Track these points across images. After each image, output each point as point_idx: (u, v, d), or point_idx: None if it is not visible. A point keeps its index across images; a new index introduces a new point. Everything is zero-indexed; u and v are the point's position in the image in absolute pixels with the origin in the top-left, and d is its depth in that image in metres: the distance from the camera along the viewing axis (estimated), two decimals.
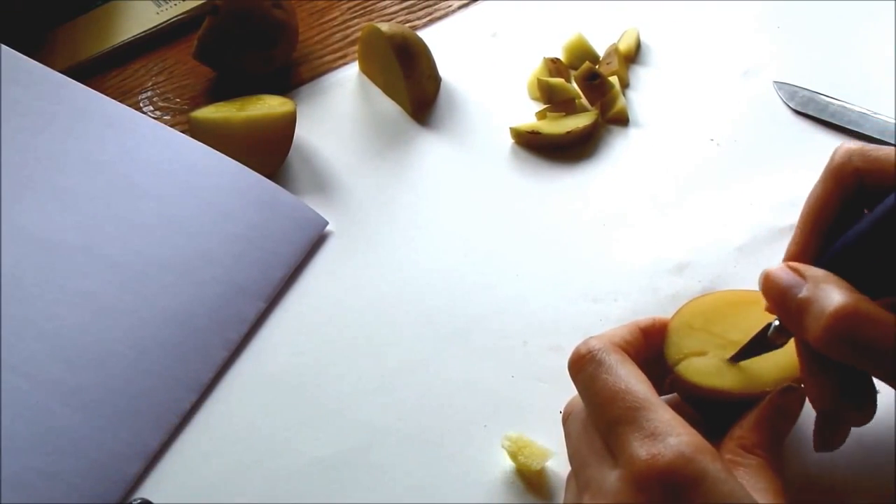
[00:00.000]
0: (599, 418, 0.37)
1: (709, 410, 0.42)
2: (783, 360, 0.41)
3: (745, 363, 0.41)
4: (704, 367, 0.41)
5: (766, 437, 0.39)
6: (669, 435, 0.34)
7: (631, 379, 0.37)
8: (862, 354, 0.35)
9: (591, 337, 0.40)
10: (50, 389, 0.46)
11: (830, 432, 0.40)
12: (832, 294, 0.36)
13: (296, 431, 0.47)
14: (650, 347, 0.42)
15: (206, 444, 0.47)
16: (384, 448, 0.46)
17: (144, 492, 0.45)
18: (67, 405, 0.46)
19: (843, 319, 0.35)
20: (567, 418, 0.41)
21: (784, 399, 0.40)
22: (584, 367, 0.38)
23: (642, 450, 0.34)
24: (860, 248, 0.37)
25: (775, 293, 0.38)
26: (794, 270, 0.38)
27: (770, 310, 0.39)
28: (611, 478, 0.35)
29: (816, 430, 0.40)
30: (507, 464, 0.45)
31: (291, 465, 0.46)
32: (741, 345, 0.41)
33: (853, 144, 0.40)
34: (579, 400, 0.40)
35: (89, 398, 0.47)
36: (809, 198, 0.41)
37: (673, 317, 0.43)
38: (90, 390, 0.47)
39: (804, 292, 0.37)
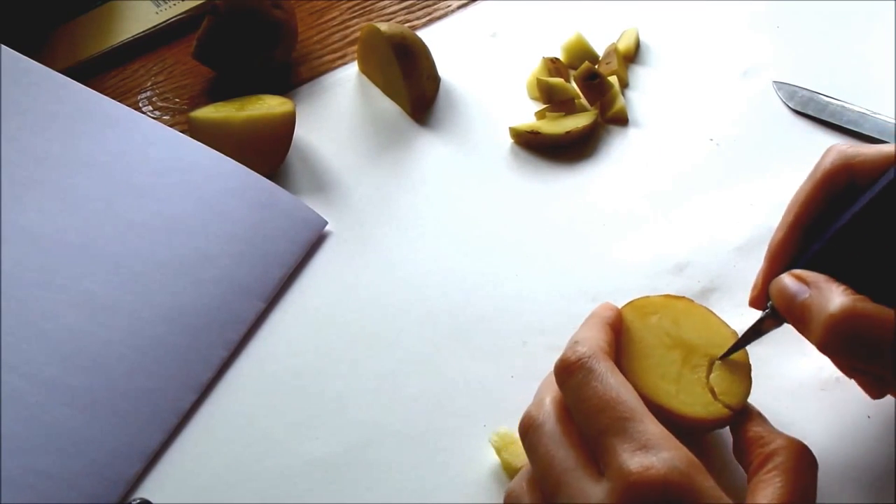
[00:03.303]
0: (588, 427, 0.36)
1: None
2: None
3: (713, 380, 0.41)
4: (694, 396, 0.41)
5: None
6: (662, 449, 0.34)
7: (621, 388, 0.36)
8: (862, 352, 0.36)
9: (577, 342, 0.39)
10: (50, 389, 0.46)
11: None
12: (831, 296, 0.36)
13: (295, 431, 0.47)
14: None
15: (206, 444, 0.47)
16: (383, 448, 0.46)
17: (144, 492, 0.45)
18: (67, 405, 0.46)
19: (842, 320, 0.36)
20: (528, 430, 0.39)
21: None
22: (574, 374, 0.37)
23: (634, 461, 0.34)
24: (846, 238, 0.39)
25: (783, 300, 0.39)
26: (798, 278, 0.39)
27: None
28: (596, 492, 0.34)
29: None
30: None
31: (291, 464, 0.46)
32: (692, 344, 0.42)
33: (844, 145, 0.41)
34: (539, 411, 0.39)
35: (89, 398, 0.47)
36: (797, 195, 0.42)
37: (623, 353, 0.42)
38: (90, 390, 0.47)
39: (805, 296, 0.38)
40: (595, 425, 0.36)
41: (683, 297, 0.44)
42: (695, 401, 0.40)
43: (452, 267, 0.53)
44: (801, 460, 0.37)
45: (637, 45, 0.63)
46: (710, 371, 0.41)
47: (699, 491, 0.33)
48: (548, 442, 0.37)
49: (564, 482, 0.35)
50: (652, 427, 0.35)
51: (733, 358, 0.42)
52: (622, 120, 0.59)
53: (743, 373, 0.42)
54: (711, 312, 0.44)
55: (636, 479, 0.33)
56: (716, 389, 0.41)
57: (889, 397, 0.44)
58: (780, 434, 0.39)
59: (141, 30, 0.67)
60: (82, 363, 0.47)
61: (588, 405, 0.36)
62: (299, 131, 0.59)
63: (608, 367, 0.37)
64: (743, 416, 0.40)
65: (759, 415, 0.41)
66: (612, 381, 0.37)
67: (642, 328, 0.42)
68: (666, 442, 0.34)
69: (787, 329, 0.43)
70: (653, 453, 0.34)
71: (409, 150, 0.59)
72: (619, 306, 0.43)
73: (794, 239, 0.41)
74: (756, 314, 0.42)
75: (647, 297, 0.44)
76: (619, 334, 0.42)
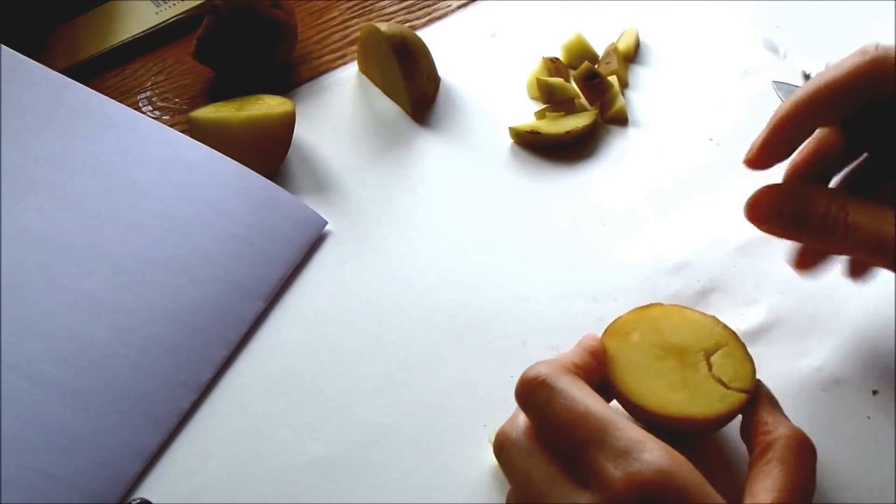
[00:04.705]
0: (564, 445, 0.36)
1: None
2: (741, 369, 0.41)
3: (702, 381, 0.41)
4: (708, 394, 0.40)
5: (782, 420, 0.39)
6: (642, 451, 0.34)
7: (588, 400, 0.36)
8: None
9: (539, 362, 0.39)
10: (50, 389, 0.46)
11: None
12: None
13: (295, 431, 0.47)
14: (601, 370, 0.41)
15: (206, 444, 0.47)
16: (383, 447, 0.46)
17: (144, 492, 0.45)
18: (67, 405, 0.46)
19: None
20: (501, 448, 0.38)
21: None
22: (534, 393, 0.37)
23: (617, 470, 0.33)
24: None
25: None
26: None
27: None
28: (583, 501, 0.34)
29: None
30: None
31: (291, 464, 0.46)
32: (677, 346, 0.42)
33: (874, 47, 0.39)
34: (512, 428, 0.38)
35: (89, 398, 0.47)
36: (818, 80, 0.39)
37: (610, 362, 0.42)
38: (90, 390, 0.47)
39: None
40: (571, 442, 0.35)
41: (652, 304, 0.44)
42: (710, 399, 0.40)
43: (452, 267, 0.53)
44: (800, 451, 0.37)
45: (637, 45, 0.63)
46: (709, 364, 0.41)
47: (686, 486, 0.33)
48: (525, 457, 0.37)
49: (547, 494, 0.35)
50: (628, 431, 0.35)
51: (725, 342, 0.42)
52: (622, 120, 0.59)
53: (741, 352, 0.41)
54: (685, 307, 0.43)
55: (622, 487, 0.33)
56: (724, 379, 0.40)
57: (888, 403, 0.44)
58: (784, 422, 0.39)
59: (141, 30, 0.67)
60: (82, 363, 0.47)
61: (557, 423, 0.36)
62: (299, 131, 0.59)
63: (569, 381, 0.37)
64: (755, 396, 0.40)
65: (769, 396, 0.41)
66: (576, 395, 0.36)
67: (629, 350, 0.42)
68: (646, 443, 0.34)
69: (787, 329, 0.43)
70: (634, 457, 0.33)
71: (409, 150, 0.59)
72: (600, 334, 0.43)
73: (803, 115, 0.40)
74: None
75: (619, 317, 0.43)
76: (602, 361, 0.41)
